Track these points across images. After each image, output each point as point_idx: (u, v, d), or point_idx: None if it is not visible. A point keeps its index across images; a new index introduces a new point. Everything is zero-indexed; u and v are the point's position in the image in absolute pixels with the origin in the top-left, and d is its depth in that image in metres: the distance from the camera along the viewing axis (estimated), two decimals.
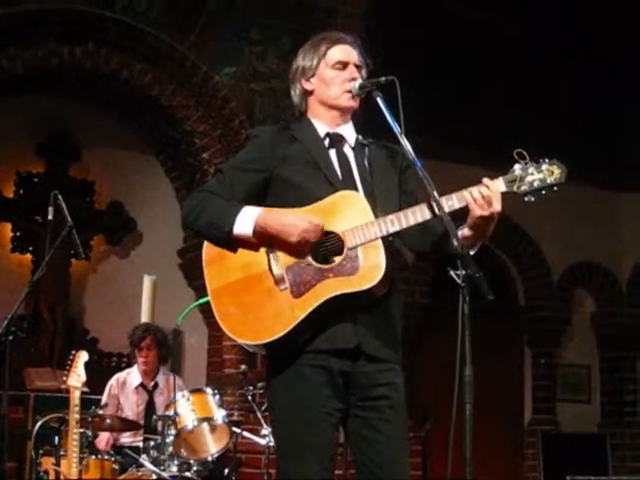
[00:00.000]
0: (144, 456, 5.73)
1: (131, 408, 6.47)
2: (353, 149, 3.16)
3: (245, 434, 6.07)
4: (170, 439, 5.56)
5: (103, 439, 6.15)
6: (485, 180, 2.92)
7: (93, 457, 5.71)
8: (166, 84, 7.60)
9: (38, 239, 7.54)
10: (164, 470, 5.55)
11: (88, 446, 5.69)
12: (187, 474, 5.61)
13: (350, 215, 2.94)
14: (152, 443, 5.77)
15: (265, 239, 2.97)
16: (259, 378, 6.30)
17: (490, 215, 2.89)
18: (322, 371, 2.92)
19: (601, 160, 9.68)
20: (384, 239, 2.93)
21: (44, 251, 4.54)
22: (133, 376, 6.59)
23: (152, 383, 6.57)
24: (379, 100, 3.02)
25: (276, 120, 7.66)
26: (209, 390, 5.87)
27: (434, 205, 2.89)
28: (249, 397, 6.19)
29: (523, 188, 2.92)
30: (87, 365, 5.61)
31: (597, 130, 9.73)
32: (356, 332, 2.93)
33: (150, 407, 6.45)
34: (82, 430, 5.53)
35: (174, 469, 5.58)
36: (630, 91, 9.63)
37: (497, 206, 2.88)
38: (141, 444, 5.97)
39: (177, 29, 7.49)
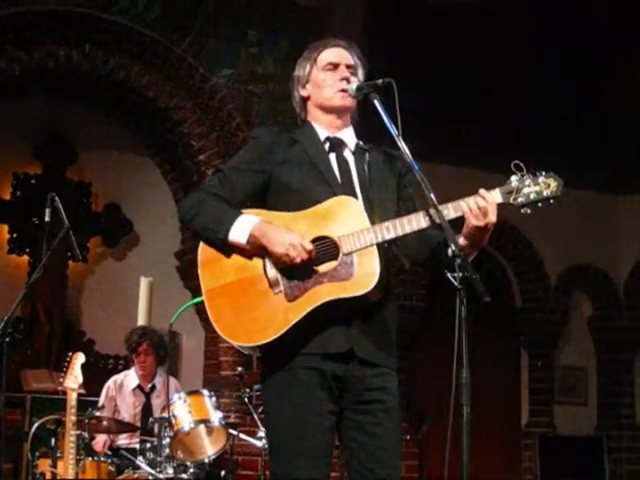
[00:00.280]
0: (140, 458, 5.72)
1: (128, 410, 6.47)
2: (353, 154, 3.17)
3: (242, 436, 6.07)
4: (167, 441, 5.55)
5: (100, 441, 6.15)
6: (481, 191, 2.93)
7: (89, 459, 5.70)
8: (163, 86, 7.60)
9: (35, 241, 7.55)
10: (160, 472, 5.54)
11: (85, 448, 5.68)
12: (183, 476, 5.60)
13: (346, 221, 2.95)
14: (148, 445, 5.76)
15: (258, 249, 2.98)
16: (256, 380, 6.29)
17: (485, 226, 2.90)
18: (315, 373, 2.93)
19: (600, 163, 9.68)
20: (380, 246, 2.94)
21: (41, 253, 4.52)
22: (130, 378, 6.59)
23: (149, 385, 6.57)
24: (376, 102, 3.02)
25: (274, 122, 7.67)
26: (206, 392, 5.86)
27: (431, 212, 2.90)
28: (246, 399, 6.18)
29: (519, 200, 2.94)
30: (84, 367, 5.61)
31: (597, 133, 9.73)
32: (349, 336, 2.94)
33: (147, 409, 6.45)
34: (79, 432, 5.52)
35: (170, 471, 5.57)
36: (630, 93, 9.65)
37: (492, 217, 2.89)
38: (138, 446, 5.97)
39: (174, 31, 7.49)
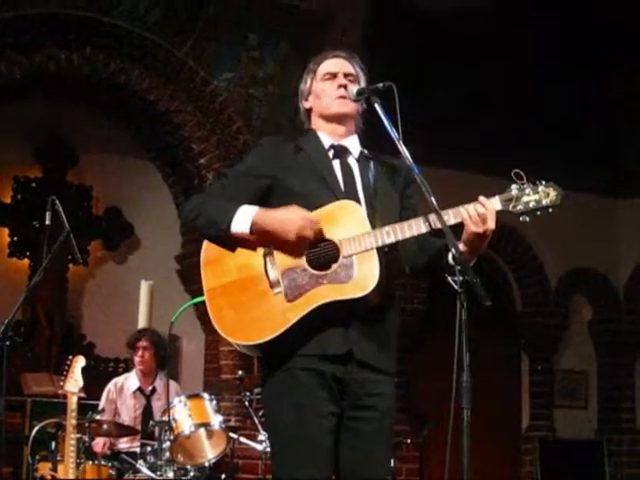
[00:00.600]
0: (141, 461, 5.72)
1: (128, 413, 6.47)
2: (357, 161, 3.20)
3: (242, 440, 6.07)
4: (167, 444, 5.55)
5: (100, 442, 6.16)
6: (481, 198, 2.95)
7: (90, 462, 5.70)
8: (164, 89, 7.60)
9: (35, 244, 7.55)
10: (161, 476, 5.55)
11: (85, 451, 5.69)
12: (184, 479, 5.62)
13: (348, 224, 2.98)
14: (149, 448, 5.77)
15: (262, 237, 2.99)
16: (256, 384, 6.28)
17: (484, 232, 2.92)
18: (315, 374, 2.94)
19: (600, 166, 9.69)
20: (380, 250, 2.96)
21: (41, 256, 4.53)
22: (131, 381, 6.59)
23: (150, 388, 6.57)
24: (377, 106, 3.04)
25: (274, 125, 7.67)
26: (206, 396, 5.86)
27: (431, 218, 2.92)
28: (246, 403, 6.18)
29: (519, 208, 2.96)
30: (84, 370, 5.62)
31: (597, 137, 9.74)
32: (348, 338, 2.96)
33: (147, 412, 6.45)
34: (79, 435, 5.53)
35: (171, 475, 5.58)
36: (630, 97, 9.66)
37: (491, 224, 2.92)
38: (138, 449, 5.97)
39: (175, 34, 7.49)
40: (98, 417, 5.88)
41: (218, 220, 3.01)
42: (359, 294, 2.91)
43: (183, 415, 5.57)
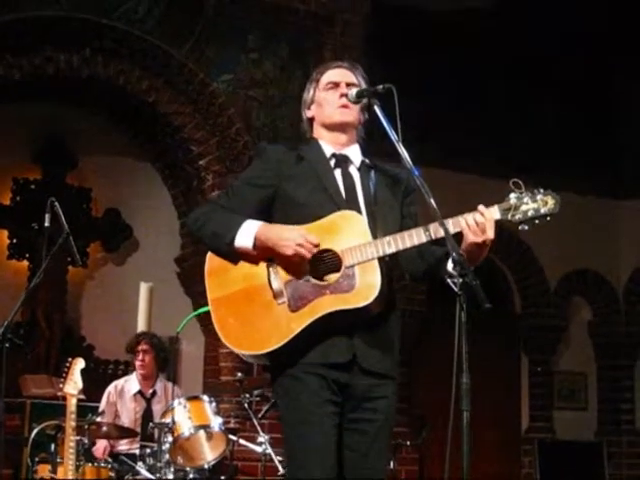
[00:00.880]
0: (140, 463, 5.73)
1: (128, 415, 6.46)
2: (359, 170, 3.22)
3: (241, 442, 6.08)
4: (167, 446, 5.55)
5: (100, 447, 6.15)
6: (480, 207, 2.97)
7: (89, 464, 5.70)
8: (163, 91, 7.60)
9: (35, 246, 7.55)
10: (160, 478, 5.54)
11: (84, 453, 5.69)
12: None
13: (349, 235, 3.01)
14: (149, 450, 5.77)
15: (265, 252, 3.03)
16: (255, 386, 6.30)
17: (483, 242, 2.94)
18: (318, 378, 2.98)
19: (599, 168, 9.69)
20: (381, 259, 2.98)
21: (41, 258, 4.53)
22: (131, 383, 6.59)
23: (150, 391, 6.57)
24: (376, 108, 3.06)
25: (273, 127, 7.67)
26: (206, 397, 5.86)
27: (431, 227, 2.94)
28: (245, 405, 6.18)
29: (517, 217, 2.99)
30: (83, 372, 5.61)
31: (597, 138, 9.74)
32: (351, 347, 2.99)
33: (147, 415, 6.44)
34: (78, 437, 5.53)
35: (170, 477, 5.58)
36: (630, 98, 9.66)
37: (490, 233, 2.94)
38: (138, 451, 5.97)
39: (174, 36, 7.49)
40: (98, 419, 5.89)
41: (222, 234, 3.05)
42: (362, 304, 2.94)
43: (183, 417, 5.57)
